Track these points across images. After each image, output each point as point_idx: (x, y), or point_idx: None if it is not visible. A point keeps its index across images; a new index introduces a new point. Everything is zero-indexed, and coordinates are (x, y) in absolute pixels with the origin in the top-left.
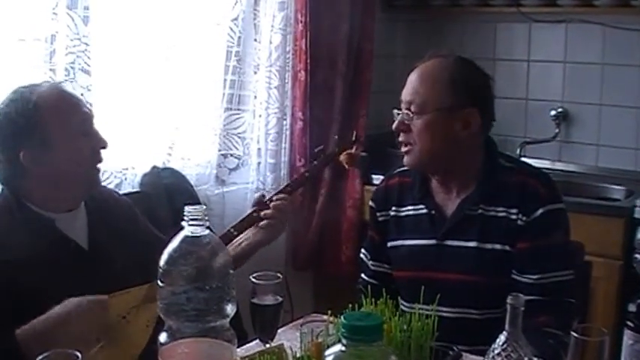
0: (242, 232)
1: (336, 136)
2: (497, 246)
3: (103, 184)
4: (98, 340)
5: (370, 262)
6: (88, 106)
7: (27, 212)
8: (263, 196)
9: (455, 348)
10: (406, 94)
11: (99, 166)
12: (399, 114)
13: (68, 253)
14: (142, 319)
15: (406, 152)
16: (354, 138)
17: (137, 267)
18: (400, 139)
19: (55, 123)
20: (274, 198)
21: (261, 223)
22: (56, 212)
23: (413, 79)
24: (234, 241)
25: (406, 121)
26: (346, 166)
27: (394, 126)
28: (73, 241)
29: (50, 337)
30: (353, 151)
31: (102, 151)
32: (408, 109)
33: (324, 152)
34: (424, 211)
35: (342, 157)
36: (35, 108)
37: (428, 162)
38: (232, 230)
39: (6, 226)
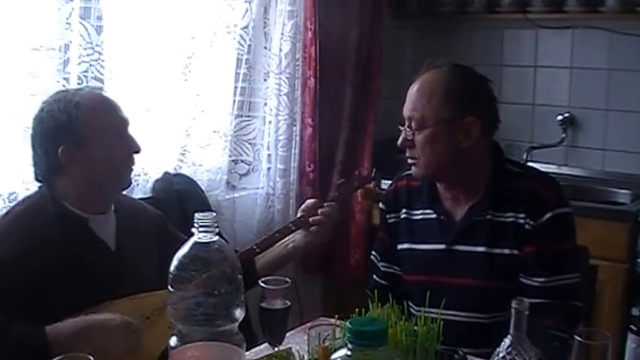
0: (298, 229)
1: (357, 172)
2: (506, 250)
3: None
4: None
5: (381, 264)
6: (124, 111)
7: (61, 210)
8: (317, 201)
9: (460, 351)
10: (406, 110)
11: (132, 167)
12: (402, 130)
13: (97, 252)
14: (165, 320)
15: (413, 164)
16: (373, 175)
17: (162, 272)
18: (406, 154)
19: (94, 123)
20: (325, 205)
21: (312, 228)
22: (89, 213)
23: (410, 94)
24: (281, 242)
25: (409, 137)
26: (360, 199)
27: (399, 143)
28: (103, 241)
29: (77, 341)
30: (371, 186)
31: (135, 155)
32: (409, 125)
33: (345, 184)
34: (433, 216)
35: (359, 191)
36: (77, 107)
37: (435, 173)
38: (291, 226)
39: (40, 222)
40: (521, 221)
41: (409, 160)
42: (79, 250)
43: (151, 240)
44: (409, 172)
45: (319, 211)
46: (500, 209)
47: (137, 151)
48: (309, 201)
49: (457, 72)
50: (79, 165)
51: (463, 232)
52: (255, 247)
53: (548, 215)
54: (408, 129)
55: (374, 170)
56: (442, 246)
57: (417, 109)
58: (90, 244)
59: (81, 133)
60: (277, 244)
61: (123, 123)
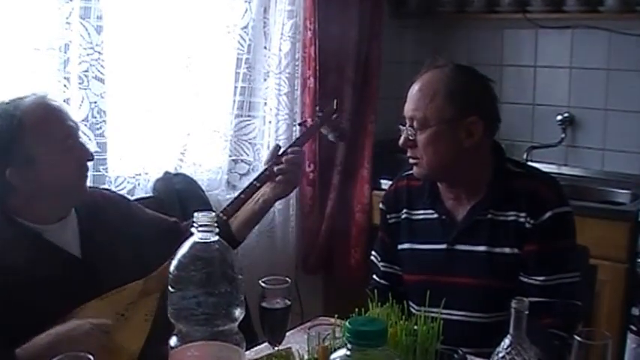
0: (263, 185)
1: (317, 107)
2: (507, 249)
3: (112, 188)
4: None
5: (381, 264)
6: (72, 118)
7: (17, 227)
8: (278, 146)
9: (460, 351)
10: (407, 110)
11: (87, 175)
12: (403, 130)
13: (61, 263)
14: (140, 313)
15: (415, 164)
16: (335, 107)
17: (135, 265)
18: (408, 154)
19: (39, 140)
20: (289, 151)
21: (277, 177)
22: (46, 224)
23: (412, 94)
24: (251, 199)
25: (410, 137)
26: (329, 137)
27: (400, 143)
28: (64, 250)
29: (49, 357)
30: (333, 119)
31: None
32: (411, 125)
33: (305, 125)
34: (435, 216)
35: (324, 128)
36: (19, 125)
37: (437, 173)
38: (256, 183)
39: None
40: (522, 220)
41: (411, 160)
42: (41, 265)
43: (118, 231)
44: (410, 172)
45: (283, 159)
46: (502, 208)
47: (90, 159)
48: (268, 152)
49: (459, 72)
50: (30, 183)
51: (465, 232)
52: (220, 214)
53: (548, 214)
54: (409, 129)
55: (335, 101)
56: (443, 246)
57: (419, 109)
58: (51, 257)
59: (28, 154)
60: (248, 202)
61: (72, 132)
